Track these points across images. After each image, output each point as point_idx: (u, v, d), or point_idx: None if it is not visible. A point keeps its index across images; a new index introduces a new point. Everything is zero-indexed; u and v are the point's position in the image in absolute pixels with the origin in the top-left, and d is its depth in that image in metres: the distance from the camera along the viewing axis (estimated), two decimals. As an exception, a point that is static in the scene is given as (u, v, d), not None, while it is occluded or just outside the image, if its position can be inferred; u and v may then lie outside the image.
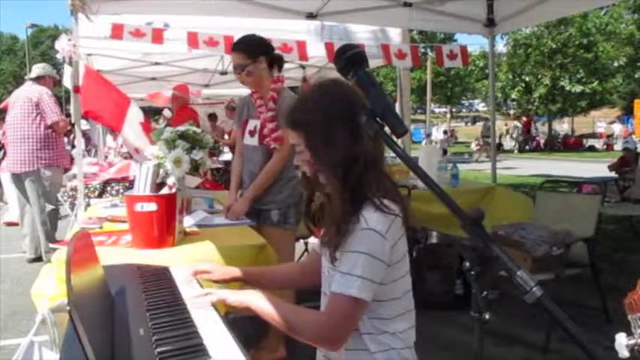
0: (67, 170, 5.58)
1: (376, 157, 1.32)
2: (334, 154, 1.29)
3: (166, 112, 3.49)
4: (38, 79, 5.28)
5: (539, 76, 24.99)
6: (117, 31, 3.86)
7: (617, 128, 28.64)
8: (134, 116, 3.84)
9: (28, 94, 5.16)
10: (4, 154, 6.86)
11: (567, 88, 24.61)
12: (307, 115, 1.34)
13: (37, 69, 5.38)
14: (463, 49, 4.86)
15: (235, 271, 1.58)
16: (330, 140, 1.30)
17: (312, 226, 1.46)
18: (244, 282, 1.61)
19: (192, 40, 4.06)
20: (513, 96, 26.20)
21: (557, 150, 25.32)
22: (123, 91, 4.24)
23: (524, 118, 26.37)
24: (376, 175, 1.31)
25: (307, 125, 1.34)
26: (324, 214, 1.41)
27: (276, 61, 2.89)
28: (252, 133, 2.92)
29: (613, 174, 8.17)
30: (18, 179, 5.29)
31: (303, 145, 1.35)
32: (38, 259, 5.31)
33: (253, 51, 2.78)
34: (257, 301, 1.34)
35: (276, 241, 2.32)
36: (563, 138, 28.27)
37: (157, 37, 3.97)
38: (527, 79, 25.45)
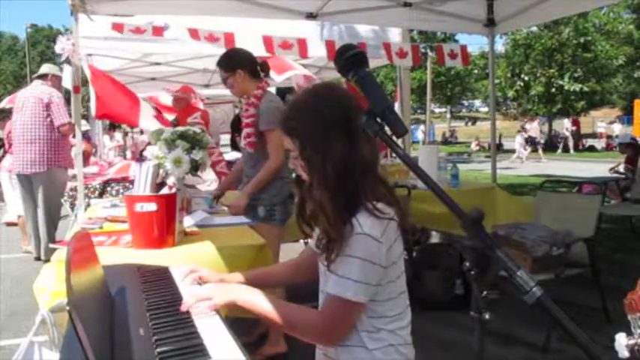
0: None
1: (372, 162, 1.30)
2: (328, 163, 1.26)
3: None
4: (45, 77, 5.27)
5: (537, 74, 24.98)
6: (117, 27, 3.90)
7: (617, 128, 28.59)
8: (147, 111, 3.98)
9: (38, 94, 5.12)
10: (4, 153, 6.85)
11: (566, 87, 24.59)
12: (301, 123, 1.32)
13: (45, 67, 5.39)
14: (463, 48, 4.87)
15: (235, 277, 1.57)
16: (325, 149, 1.27)
17: (306, 229, 1.43)
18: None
19: (194, 33, 4.08)
20: (510, 94, 26.14)
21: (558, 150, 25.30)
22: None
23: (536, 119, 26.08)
24: (371, 181, 1.29)
25: (301, 133, 1.31)
26: (318, 217, 1.39)
27: (261, 69, 3.07)
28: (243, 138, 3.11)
29: (613, 173, 8.13)
30: (26, 180, 5.25)
31: (297, 152, 1.33)
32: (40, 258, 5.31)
33: (230, 65, 3.00)
34: (254, 299, 1.34)
35: (264, 236, 2.42)
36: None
37: (157, 31, 4.00)
38: (525, 78, 25.42)
